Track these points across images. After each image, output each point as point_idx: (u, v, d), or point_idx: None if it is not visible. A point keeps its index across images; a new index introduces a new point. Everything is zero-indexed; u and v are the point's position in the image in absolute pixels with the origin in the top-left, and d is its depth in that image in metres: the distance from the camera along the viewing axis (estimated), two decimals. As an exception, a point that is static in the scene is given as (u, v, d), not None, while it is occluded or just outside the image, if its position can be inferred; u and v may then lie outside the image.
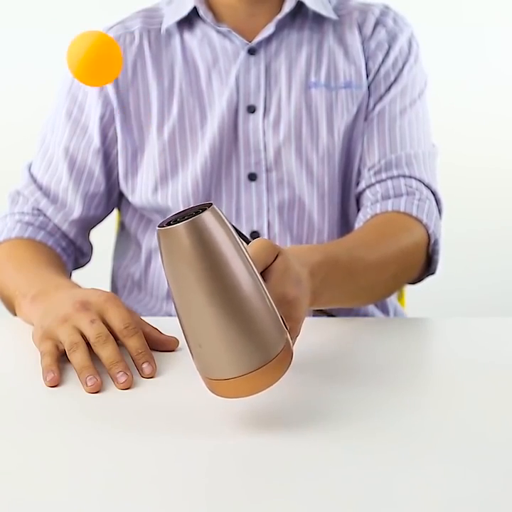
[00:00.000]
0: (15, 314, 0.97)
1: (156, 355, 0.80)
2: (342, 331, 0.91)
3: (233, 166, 1.09)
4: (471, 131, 2.30)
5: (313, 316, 1.09)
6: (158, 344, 0.82)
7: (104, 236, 1.27)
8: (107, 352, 0.76)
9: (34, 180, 1.14)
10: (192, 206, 0.64)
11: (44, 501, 0.55)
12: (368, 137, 1.10)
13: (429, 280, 1.07)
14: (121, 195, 1.17)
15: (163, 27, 1.11)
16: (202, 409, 0.68)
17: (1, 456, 0.61)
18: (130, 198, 1.14)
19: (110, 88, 1.10)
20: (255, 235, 1.09)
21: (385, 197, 1.07)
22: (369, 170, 1.10)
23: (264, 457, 0.61)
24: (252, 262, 0.63)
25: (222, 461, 0.61)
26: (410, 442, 0.63)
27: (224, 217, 0.62)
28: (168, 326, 0.92)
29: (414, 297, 1.35)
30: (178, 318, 0.64)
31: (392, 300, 1.18)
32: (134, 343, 0.78)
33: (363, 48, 1.11)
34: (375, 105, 1.11)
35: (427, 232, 1.04)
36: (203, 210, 0.61)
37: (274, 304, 0.64)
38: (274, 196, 1.09)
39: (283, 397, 0.71)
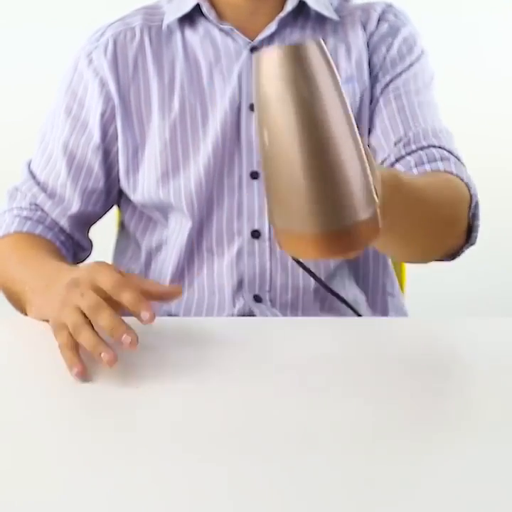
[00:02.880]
0: (22, 312, 0.96)
1: (157, 355, 0.79)
2: (341, 331, 0.91)
3: (235, 164, 1.09)
4: (470, 131, 2.30)
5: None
6: (162, 297, 0.81)
7: (104, 235, 1.27)
8: (103, 320, 0.74)
9: (33, 176, 1.14)
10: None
11: (44, 500, 0.55)
12: (387, 115, 1.08)
13: (428, 280, 1.07)
14: (120, 193, 1.17)
15: (165, 23, 1.11)
16: (202, 410, 0.68)
17: (1, 456, 0.61)
18: (132, 196, 1.14)
19: (112, 84, 1.10)
20: (256, 233, 1.09)
21: (419, 164, 1.03)
22: (396, 144, 1.06)
23: (262, 455, 0.61)
24: (351, 112, 0.57)
25: (221, 460, 0.61)
26: (408, 442, 0.63)
27: (329, 55, 0.56)
28: (168, 326, 0.92)
29: (415, 298, 1.35)
30: (263, 160, 0.58)
31: (394, 302, 1.18)
32: (126, 297, 0.75)
33: (368, 43, 1.11)
34: (387, 85, 1.09)
35: (469, 192, 1.00)
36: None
37: (369, 170, 0.58)
38: (275, 195, 1.09)
39: (281, 396, 0.71)
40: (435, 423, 0.67)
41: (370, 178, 0.58)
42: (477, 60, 2.31)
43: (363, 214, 0.56)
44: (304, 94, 0.54)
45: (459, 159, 1.06)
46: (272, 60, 0.54)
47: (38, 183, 1.13)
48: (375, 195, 0.59)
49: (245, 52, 1.09)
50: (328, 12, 1.11)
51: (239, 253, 1.09)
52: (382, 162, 1.06)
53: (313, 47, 0.54)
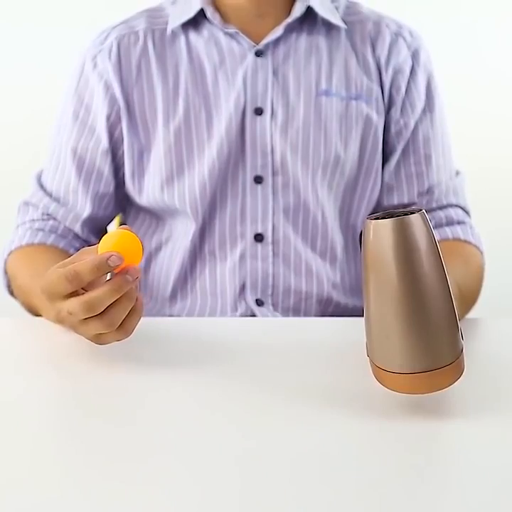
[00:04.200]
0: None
1: (157, 355, 0.79)
2: (341, 331, 0.91)
3: (239, 168, 1.09)
4: (470, 131, 2.30)
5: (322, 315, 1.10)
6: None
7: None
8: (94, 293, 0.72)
9: (42, 187, 1.14)
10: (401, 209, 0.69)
11: (45, 501, 0.55)
12: (414, 161, 1.13)
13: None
14: (124, 196, 1.17)
15: (169, 28, 1.11)
16: (203, 410, 0.68)
17: (1, 459, 0.61)
18: (137, 199, 1.13)
19: (116, 88, 1.10)
20: (259, 237, 1.09)
21: (439, 226, 1.12)
22: (418, 196, 1.13)
23: (262, 454, 0.61)
24: (447, 272, 0.66)
25: (221, 459, 0.60)
26: (409, 440, 0.63)
27: (430, 225, 0.66)
28: (169, 326, 0.93)
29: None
30: (367, 308, 0.68)
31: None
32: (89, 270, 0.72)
33: (378, 63, 1.12)
34: (415, 128, 1.13)
35: (481, 253, 1.12)
36: (412, 213, 0.66)
37: (458, 318, 0.68)
38: (279, 200, 1.09)
39: (281, 396, 0.71)
40: (435, 422, 0.67)
41: (459, 326, 0.67)
42: (477, 60, 2.30)
43: (451, 358, 0.66)
44: (407, 259, 0.64)
45: (468, 213, 1.16)
46: (384, 226, 0.65)
47: (50, 194, 1.13)
48: (461, 340, 0.68)
49: (250, 56, 1.09)
50: (334, 19, 1.11)
51: (242, 257, 1.09)
52: (399, 205, 1.14)
53: (418, 217, 0.65)
